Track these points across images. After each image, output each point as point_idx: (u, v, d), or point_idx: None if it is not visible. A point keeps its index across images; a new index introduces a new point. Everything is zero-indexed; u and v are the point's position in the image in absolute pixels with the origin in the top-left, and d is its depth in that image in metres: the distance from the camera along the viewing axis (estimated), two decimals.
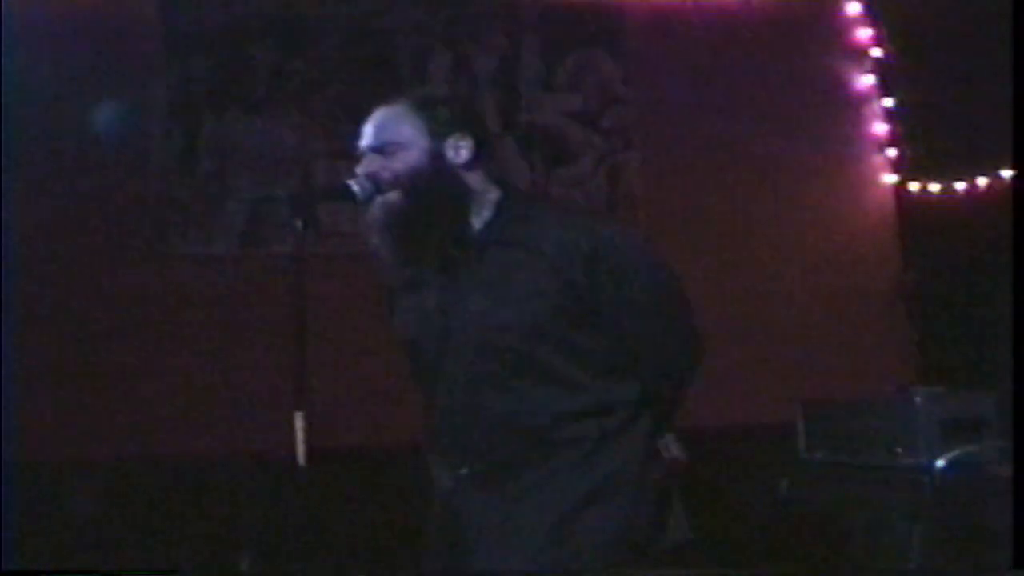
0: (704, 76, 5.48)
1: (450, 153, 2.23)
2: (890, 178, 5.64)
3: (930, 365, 5.22)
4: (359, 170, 2.23)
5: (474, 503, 2.20)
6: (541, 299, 2.14)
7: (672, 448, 2.41)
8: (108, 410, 4.56)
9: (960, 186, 5.48)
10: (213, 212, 4.90)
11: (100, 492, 4.35)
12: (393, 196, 2.18)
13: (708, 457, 2.89)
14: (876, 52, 5.71)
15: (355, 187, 2.19)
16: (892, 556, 3.34)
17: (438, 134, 2.23)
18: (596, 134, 5.42)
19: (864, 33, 5.74)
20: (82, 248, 4.72)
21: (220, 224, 4.90)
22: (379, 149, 2.23)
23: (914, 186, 5.60)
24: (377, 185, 2.19)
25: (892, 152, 5.64)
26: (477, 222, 2.24)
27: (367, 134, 2.26)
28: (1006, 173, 5.07)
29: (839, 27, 5.77)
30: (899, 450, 3.54)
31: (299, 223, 2.15)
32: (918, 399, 3.57)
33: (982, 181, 5.38)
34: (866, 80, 5.71)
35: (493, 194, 2.26)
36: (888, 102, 5.67)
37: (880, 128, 5.67)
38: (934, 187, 5.56)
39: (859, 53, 5.73)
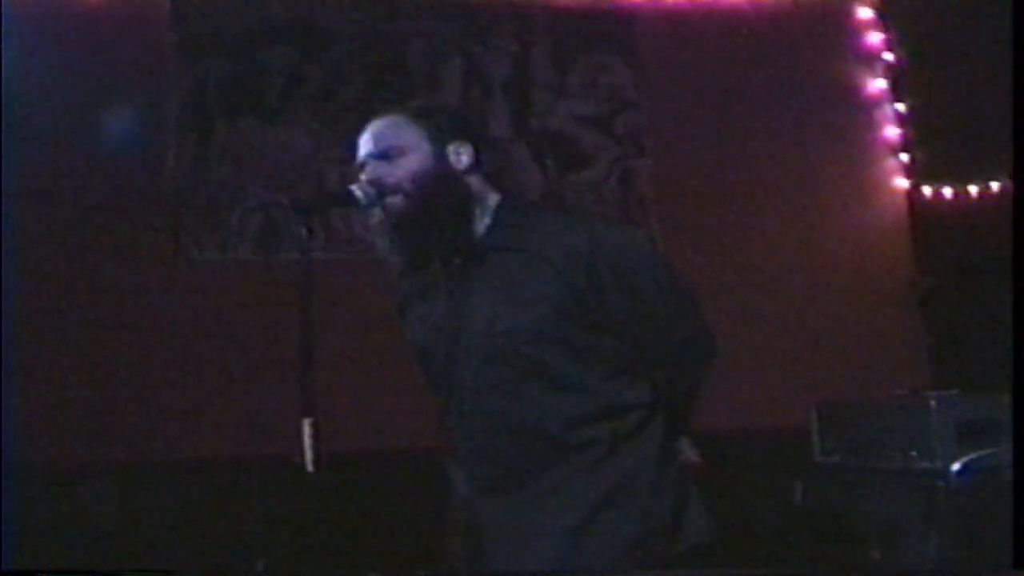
0: (716, 81, 5.48)
1: (452, 158, 2.24)
2: (903, 182, 5.64)
3: (944, 368, 5.21)
4: (363, 176, 2.25)
5: (491, 509, 2.20)
6: (544, 303, 2.13)
7: (687, 451, 2.40)
8: (120, 414, 4.58)
9: (973, 190, 5.48)
10: (228, 218, 4.91)
11: (110, 495, 4.36)
12: (397, 200, 2.18)
13: (723, 460, 2.89)
14: (888, 56, 5.71)
15: (358, 193, 2.20)
16: (907, 559, 3.33)
17: (439, 140, 2.24)
18: (608, 139, 5.42)
19: (876, 37, 5.74)
20: (96, 253, 4.74)
21: (234, 230, 4.91)
22: (382, 155, 2.23)
23: (927, 190, 5.59)
24: (381, 191, 2.19)
25: (905, 156, 5.64)
26: (479, 227, 2.24)
27: (368, 142, 2.26)
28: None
29: (851, 32, 5.77)
30: (914, 453, 3.54)
31: (303, 230, 2.16)
32: (933, 403, 3.57)
33: (995, 185, 5.37)
34: (878, 84, 5.71)
35: (492, 199, 2.26)
36: (900, 106, 5.66)
37: (893, 132, 5.67)
38: (947, 191, 5.55)
39: (871, 58, 5.74)
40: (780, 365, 5.11)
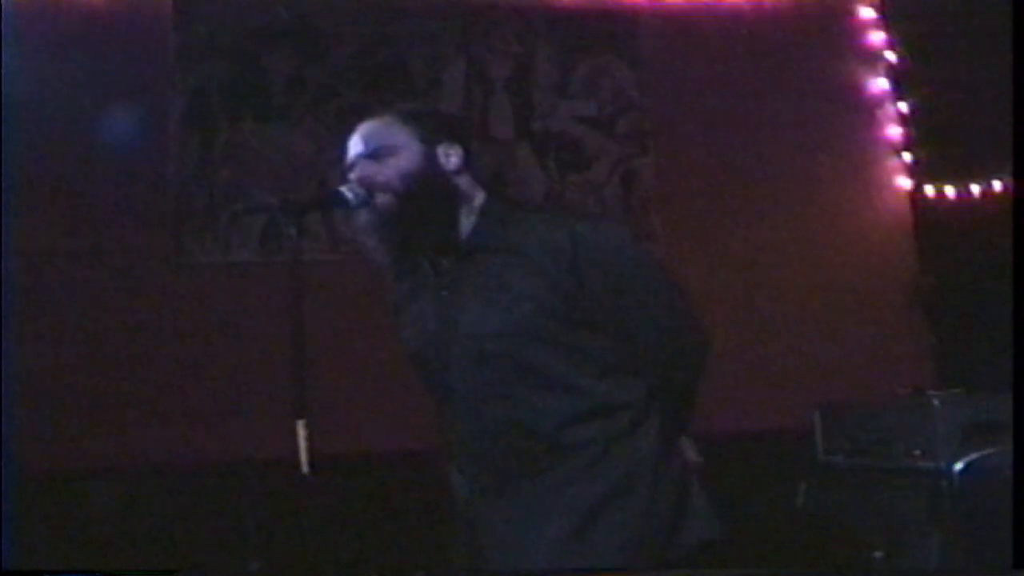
0: (718, 81, 5.48)
1: (441, 159, 2.25)
2: (905, 182, 5.63)
3: (948, 368, 5.20)
4: (352, 176, 2.25)
5: (489, 511, 2.21)
6: (529, 302, 2.13)
7: (688, 451, 2.40)
8: (121, 415, 4.57)
9: (976, 189, 5.47)
10: (230, 221, 4.91)
11: (110, 496, 4.37)
12: (385, 200, 2.19)
13: (726, 461, 2.88)
14: (890, 56, 5.71)
15: (348, 194, 2.20)
16: (910, 559, 3.33)
17: (429, 141, 2.25)
18: (611, 140, 5.42)
19: (877, 37, 5.74)
20: (98, 255, 4.74)
21: (237, 232, 4.91)
22: (371, 155, 2.24)
23: (930, 190, 5.59)
24: (370, 190, 2.20)
25: (907, 156, 5.63)
26: (464, 227, 2.24)
27: (357, 143, 2.28)
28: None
29: (852, 31, 5.76)
30: (917, 453, 3.54)
31: (293, 231, 2.16)
32: (936, 402, 3.57)
33: (997, 184, 5.36)
34: (880, 84, 5.70)
35: (479, 199, 2.27)
36: (902, 106, 5.66)
37: (895, 132, 5.66)
38: (950, 190, 5.55)
39: (873, 57, 5.73)
40: (783, 365, 5.10)
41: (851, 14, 5.77)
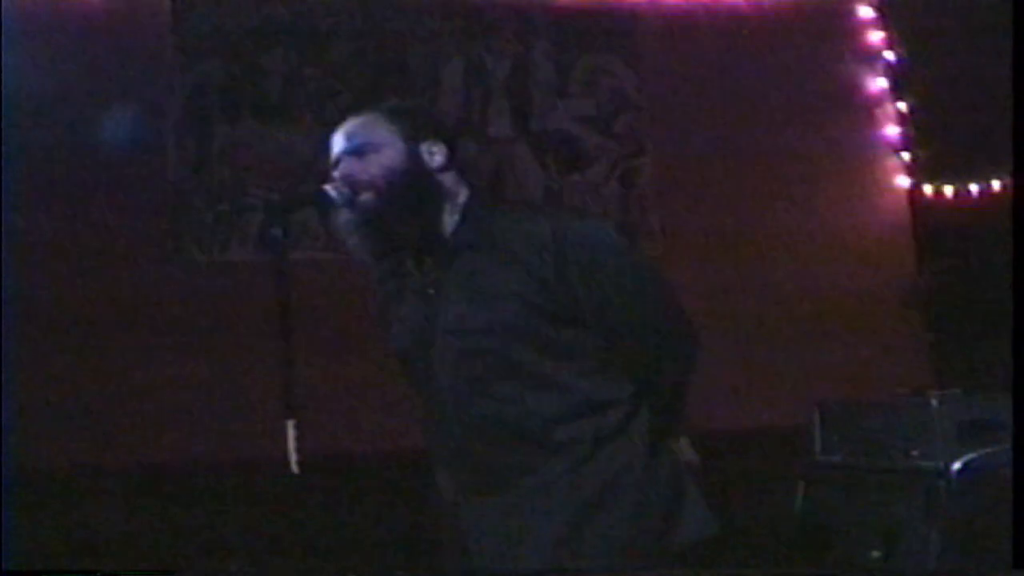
0: (716, 80, 5.48)
1: (425, 156, 2.23)
2: (904, 181, 5.64)
3: (946, 367, 5.20)
4: (335, 174, 2.24)
5: (477, 511, 2.18)
6: (513, 299, 2.11)
7: (685, 451, 2.38)
8: (120, 415, 4.58)
9: (974, 188, 5.47)
10: (228, 219, 4.91)
11: (108, 496, 4.37)
12: (368, 197, 2.17)
13: (724, 459, 2.88)
14: (889, 55, 5.71)
15: (332, 192, 2.19)
16: (908, 558, 3.33)
17: (412, 138, 2.23)
18: (609, 139, 5.42)
19: (876, 36, 5.74)
20: (96, 254, 4.74)
21: (235, 231, 4.91)
22: (354, 152, 2.22)
23: (928, 189, 5.59)
24: (353, 188, 2.19)
25: (906, 155, 5.64)
26: (448, 225, 2.23)
27: (340, 140, 2.26)
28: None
29: (851, 31, 5.77)
30: (915, 453, 3.53)
31: (279, 231, 2.16)
32: (934, 402, 3.56)
33: (996, 183, 5.37)
34: (879, 83, 5.70)
35: (463, 196, 2.26)
36: (901, 105, 5.66)
37: (893, 131, 5.66)
38: (948, 189, 5.55)
39: (872, 56, 5.73)
40: (781, 364, 5.10)
41: (850, 13, 5.77)
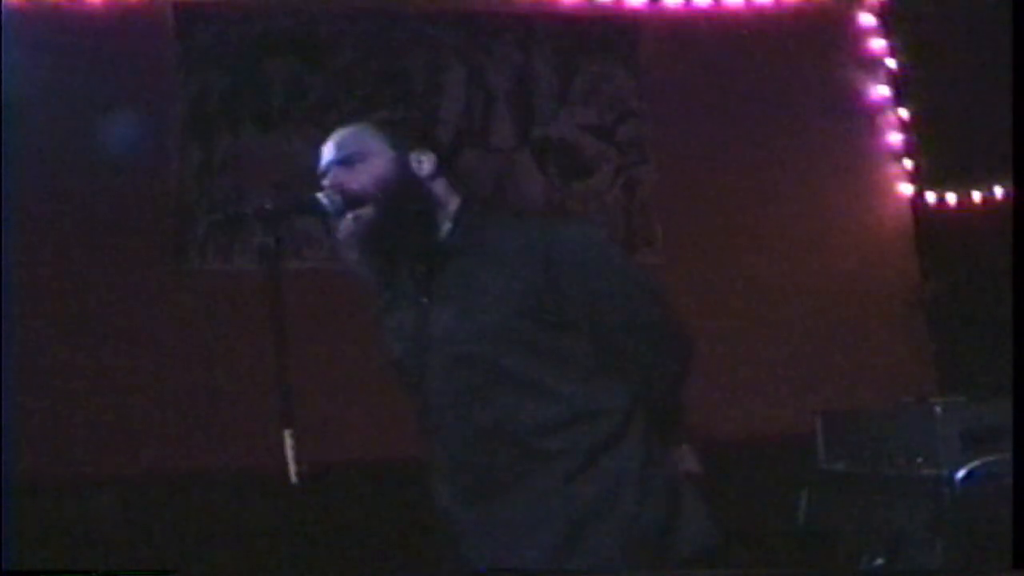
0: (718, 88, 5.48)
1: (414, 165, 2.25)
2: (906, 188, 5.63)
3: (950, 375, 5.19)
4: (324, 183, 2.25)
5: (472, 519, 2.18)
6: (504, 305, 2.12)
7: (687, 460, 2.37)
8: (122, 423, 4.58)
9: (977, 195, 5.47)
10: (228, 227, 4.90)
11: (103, 502, 4.37)
12: (365, 211, 2.19)
13: (727, 468, 2.87)
14: (890, 62, 5.71)
15: (324, 200, 2.21)
16: (912, 566, 3.32)
17: (401, 148, 2.25)
18: (611, 147, 5.42)
19: (878, 43, 5.74)
20: (98, 263, 4.74)
21: (237, 239, 4.90)
22: (344, 161, 2.24)
23: (931, 196, 5.58)
24: (345, 197, 2.20)
25: (908, 162, 5.63)
26: (440, 232, 2.24)
27: (330, 150, 2.28)
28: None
29: (853, 38, 5.77)
30: (919, 460, 3.53)
31: (271, 240, 2.16)
32: (938, 409, 3.55)
33: (998, 190, 5.36)
34: (881, 91, 5.70)
35: (454, 204, 2.27)
36: (903, 112, 5.66)
37: (895, 138, 5.66)
38: (951, 196, 5.54)
39: (873, 64, 5.73)
40: (784, 372, 5.10)
41: (852, 21, 5.77)
